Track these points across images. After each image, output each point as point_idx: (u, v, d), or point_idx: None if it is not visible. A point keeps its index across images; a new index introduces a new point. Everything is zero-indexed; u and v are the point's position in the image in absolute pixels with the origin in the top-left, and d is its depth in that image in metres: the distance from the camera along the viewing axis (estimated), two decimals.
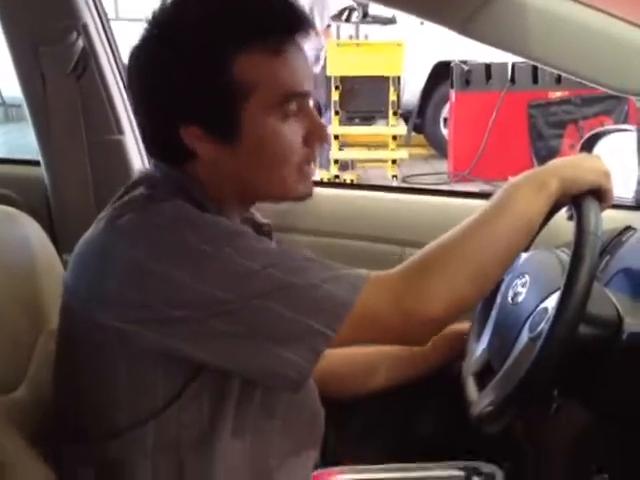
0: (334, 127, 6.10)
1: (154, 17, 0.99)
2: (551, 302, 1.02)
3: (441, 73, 6.82)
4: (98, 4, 1.74)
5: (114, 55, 1.77)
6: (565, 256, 1.13)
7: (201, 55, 0.96)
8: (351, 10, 6.62)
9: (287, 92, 0.98)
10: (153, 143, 1.05)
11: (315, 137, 1.02)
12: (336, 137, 6.15)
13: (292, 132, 0.99)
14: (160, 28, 0.98)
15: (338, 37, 6.31)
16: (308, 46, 1.02)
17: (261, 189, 1.03)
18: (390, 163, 6.28)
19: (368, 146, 6.53)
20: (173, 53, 0.96)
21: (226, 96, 0.96)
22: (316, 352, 0.91)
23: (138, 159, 1.79)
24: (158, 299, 0.91)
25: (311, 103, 1.02)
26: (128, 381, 0.96)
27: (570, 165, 1.02)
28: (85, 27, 1.69)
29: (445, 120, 7.03)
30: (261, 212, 1.15)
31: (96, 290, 0.95)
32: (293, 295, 0.91)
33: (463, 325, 1.28)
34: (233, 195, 1.03)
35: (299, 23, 0.99)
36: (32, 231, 1.26)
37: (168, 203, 0.95)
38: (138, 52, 1.00)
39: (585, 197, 0.99)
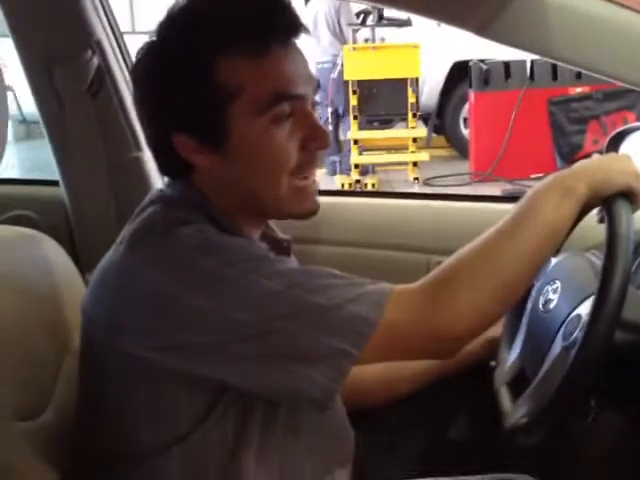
0: (353, 132, 6.10)
1: (155, 30, 0.99)
2: (584, 309, 0.99)
3: (459, 73, 6.80)
4: (111, 20, 1.73)
5: (129, 71, 1.76)
6: (596, 260, 1.10)
7: (182, 62, 0.95)
8: (366, 14, 6.60)
9: (275, 94, 0.94)
10: (156, 156, 1.04)
11: (313, 141, 0.98)
12: (356, 142, 6.15)
13: (285, 136, 0.96)
14: (153, 40, 0.99)
15: (354, 41, 6.30)
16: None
17: (257, 198, 0.99)
18: (411, 166, 6.26)
19: (388, 149, 6.51)
20: (160, 62, 0.97)
21: (210, 101, 0.94)
22: (341, 372, 0.89)
23: (158, 176, 1.76)
24: (179, 326, 0.89)
25: (309, 106, 0.98)
26: (150, 406, 0.95)
27: (599, 168, 0.98)
28: (99, 44, 1.67)
29: (465, 120, 7.00)
30: (282, 223, 1.12)
31: (116, 318, 0.94)
32: (317, 316, 0.89)
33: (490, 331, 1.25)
34: (238, 208, 1.00)
35: (288, 25, 0.96)
36: (53, 252, 1.25)
37: (189, 227, 0.93)
38: (137, 65, 1.01)
39: (616, 199, 0.95)
